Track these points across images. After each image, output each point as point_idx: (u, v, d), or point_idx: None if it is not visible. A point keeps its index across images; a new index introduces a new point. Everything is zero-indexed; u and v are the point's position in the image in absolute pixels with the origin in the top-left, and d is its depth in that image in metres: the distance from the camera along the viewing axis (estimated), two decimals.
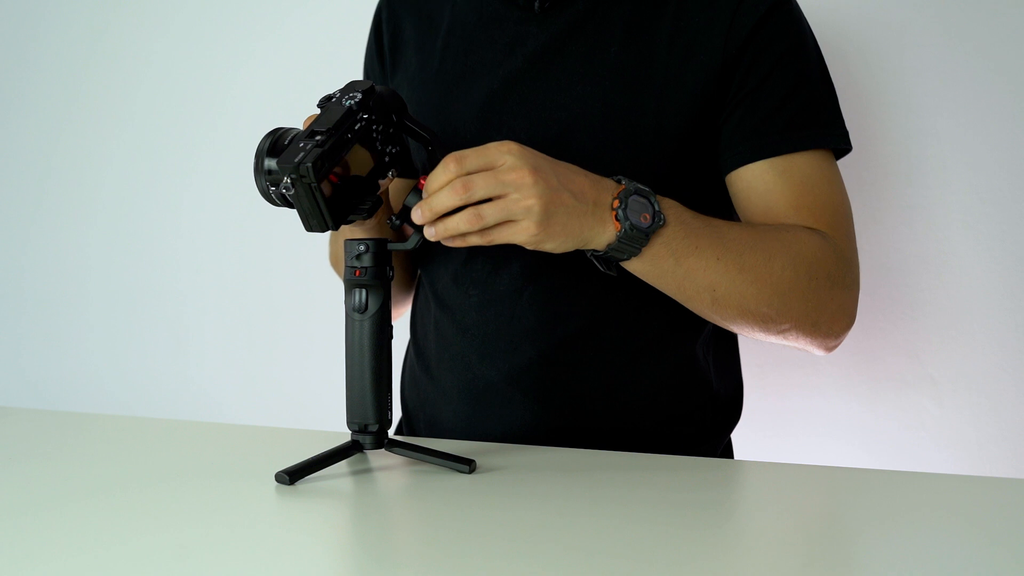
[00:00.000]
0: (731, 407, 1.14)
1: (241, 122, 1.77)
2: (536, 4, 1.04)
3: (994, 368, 1.34)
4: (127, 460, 0.99)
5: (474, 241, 0.87)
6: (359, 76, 1.25)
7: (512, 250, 0.99)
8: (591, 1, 1.04)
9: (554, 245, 0.88)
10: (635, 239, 0.89)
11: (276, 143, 0.87)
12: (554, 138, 1.01)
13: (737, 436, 1.18)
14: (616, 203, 0.89)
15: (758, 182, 1.00)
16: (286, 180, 0.81)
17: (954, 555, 0.71)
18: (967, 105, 1.33)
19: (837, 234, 1.00)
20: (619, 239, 0.89)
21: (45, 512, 0.81)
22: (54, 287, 1.95)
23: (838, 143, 1.03)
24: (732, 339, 1.15)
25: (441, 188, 0.85)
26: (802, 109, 1.01)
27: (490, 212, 0.85)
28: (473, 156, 0.85)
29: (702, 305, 0.96)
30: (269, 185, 0.87)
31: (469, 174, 0.84)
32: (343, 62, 1.69)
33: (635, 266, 0.93)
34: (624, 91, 1.01)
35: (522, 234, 0.86)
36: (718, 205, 1.05)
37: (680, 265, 0.92)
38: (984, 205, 1.33)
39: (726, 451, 1.17)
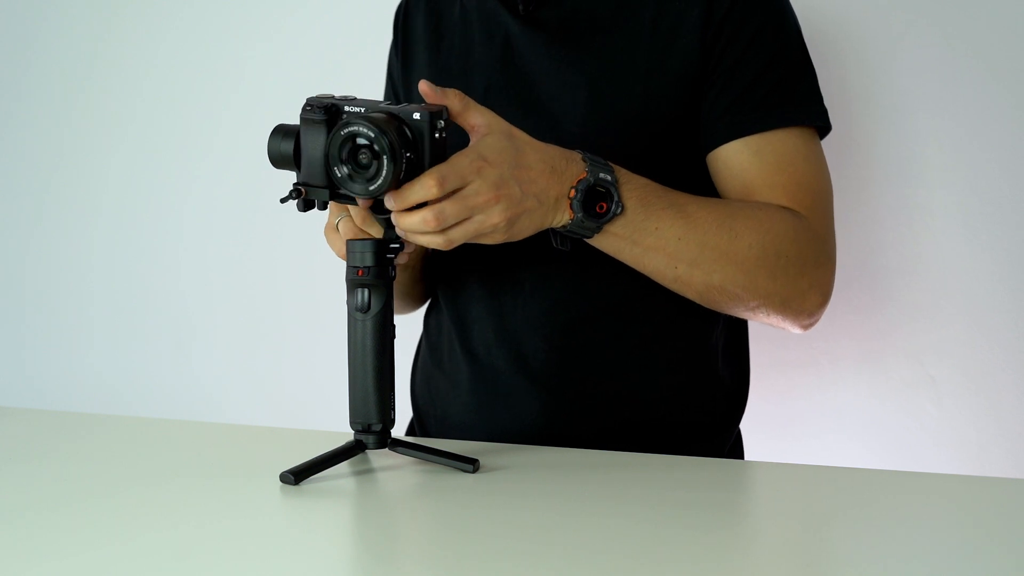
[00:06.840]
0: (738, 396, 1.14)
1: (244, 123, 1.76)
2: (520, 7, 1.07)
3: (994, 368, 1.34)
4: (129, 460, 0.99)
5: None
6: (367, 77, 1.26)
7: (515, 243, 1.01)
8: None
9: (518, 238, 0.92)
10: (587, 227, 0.93)
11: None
12: (545, 129, 1.02)
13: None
14: (572, 193, 0.91)
15: (733, 162, 1.02)
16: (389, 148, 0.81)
17: (954, 555, 0.71)
18: (967, 105, 1.33)
19: (811, 212, 1.01)
20: (572, 225, 0.93)
21: (45, 512, 0.81)
22: (56, 287, 1.95)
23: (814, 120, 1.03)
24: (742, 328, 1.15)
25: (416, 204, 0.84)
26: (776, 87, 1.01)
27: (458, 235, 0.87)
28: (451, 177, 0.85)
29: (665, 281, 0.99)
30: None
31: (444, 198, 0.85)
32: (346, 63, 1.69)
33: (591, 243, 0.96)
34: (610, 79, 1.03)
35: (488, 241, 0.90)
36: (710, 187, 1.06)
37: (637, 245, 0.95)
38: (984, 205, 1.33)
39: (736, 444, 1.16)
